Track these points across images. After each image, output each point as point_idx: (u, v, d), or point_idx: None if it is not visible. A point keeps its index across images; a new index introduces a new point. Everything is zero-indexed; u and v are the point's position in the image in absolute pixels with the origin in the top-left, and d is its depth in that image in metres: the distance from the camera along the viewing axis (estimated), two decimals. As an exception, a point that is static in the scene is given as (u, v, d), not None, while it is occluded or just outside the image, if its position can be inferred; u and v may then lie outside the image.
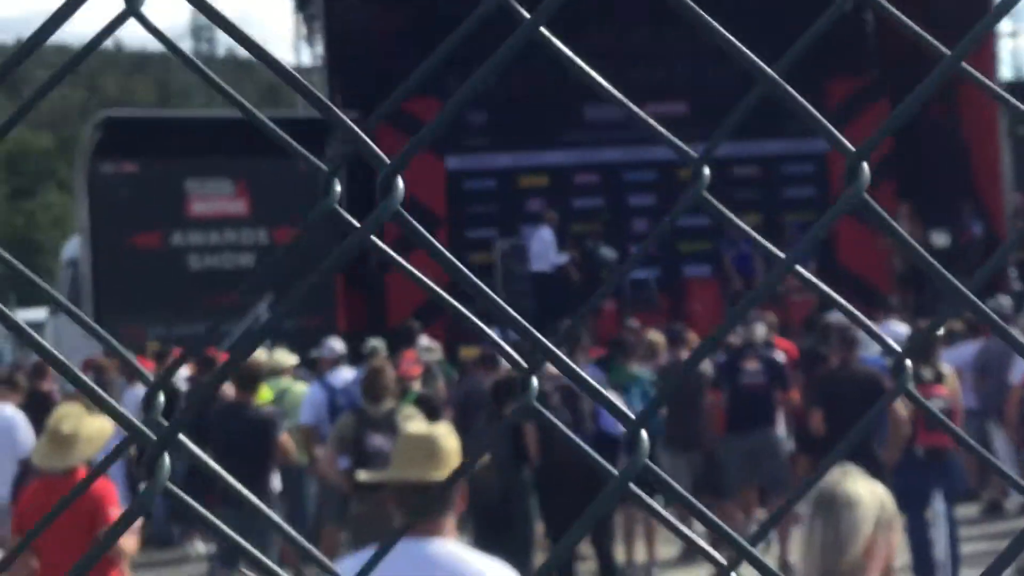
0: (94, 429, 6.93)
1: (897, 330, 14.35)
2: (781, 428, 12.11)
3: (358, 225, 0.80)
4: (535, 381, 0.89)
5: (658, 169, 19.83)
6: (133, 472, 12.36)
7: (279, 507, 10.33)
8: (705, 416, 12.28)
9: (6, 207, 57.28)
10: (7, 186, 58.55)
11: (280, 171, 17.78)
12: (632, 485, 0.91)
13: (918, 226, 18.22)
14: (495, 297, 0.96)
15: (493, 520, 9.73)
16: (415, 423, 5.29)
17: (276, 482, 10.10)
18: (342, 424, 9.79)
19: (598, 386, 0.93)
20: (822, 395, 11.27)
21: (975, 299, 0.84)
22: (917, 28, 0.87)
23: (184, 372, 14.50)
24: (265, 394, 11.05)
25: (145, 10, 0.82)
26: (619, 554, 11.31)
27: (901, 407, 9.47)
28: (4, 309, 0.74)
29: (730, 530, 0.94)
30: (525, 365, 0.87)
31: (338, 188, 0.87)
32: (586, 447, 1.04)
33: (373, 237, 0.79)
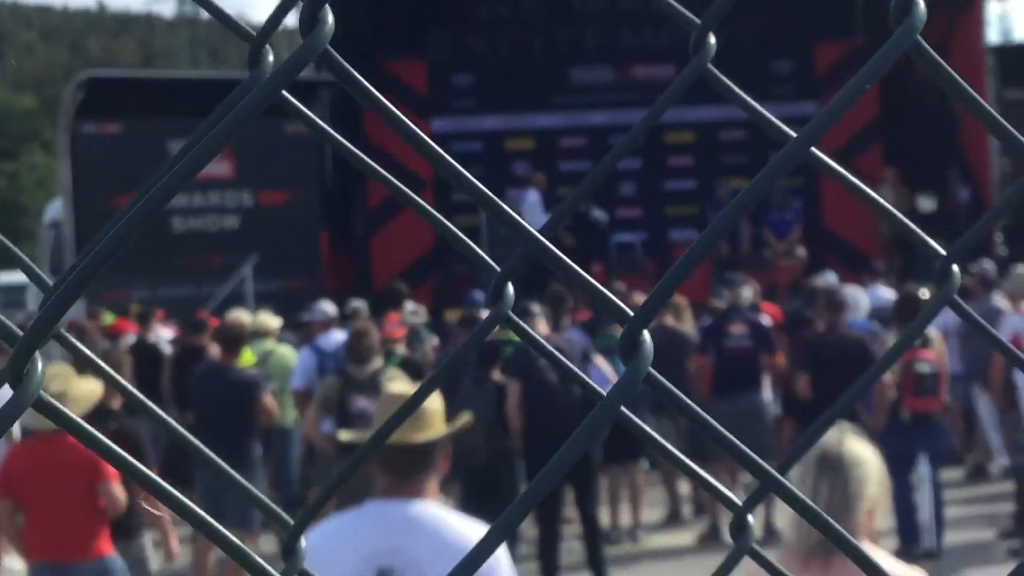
0: (83, 390, 6.95)
1: (883, 294, 14.35)
2: (767, 392, 12.12)
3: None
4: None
5: (645, 132, 19.75)
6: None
7: (262, 469, 10.32)
8: (690, 380, 12.29)
9: (-11, 168, 57.02)
10: (-10, 147, 58.27)
11: (265, 133, 17.68)
12: (624, 409, 0.79)
13: (904, 191, 18.21)
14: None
15: (479, 483, 9.73)
16: (397, 383, 5.26)
17: (258, 445, 10.08)
18: (326, 386, 9.76)
19: (594, 282, 0.83)
20: (808, 359, 11.28)
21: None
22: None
23: (167, 334, 14.46)
24: (248, 356, 11.02)
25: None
26: (604, 517, 11.33)
27: (887, 373, 9.48)
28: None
29: (724, 490, 0.88)
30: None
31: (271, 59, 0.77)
32: (568, 364, 0.96)
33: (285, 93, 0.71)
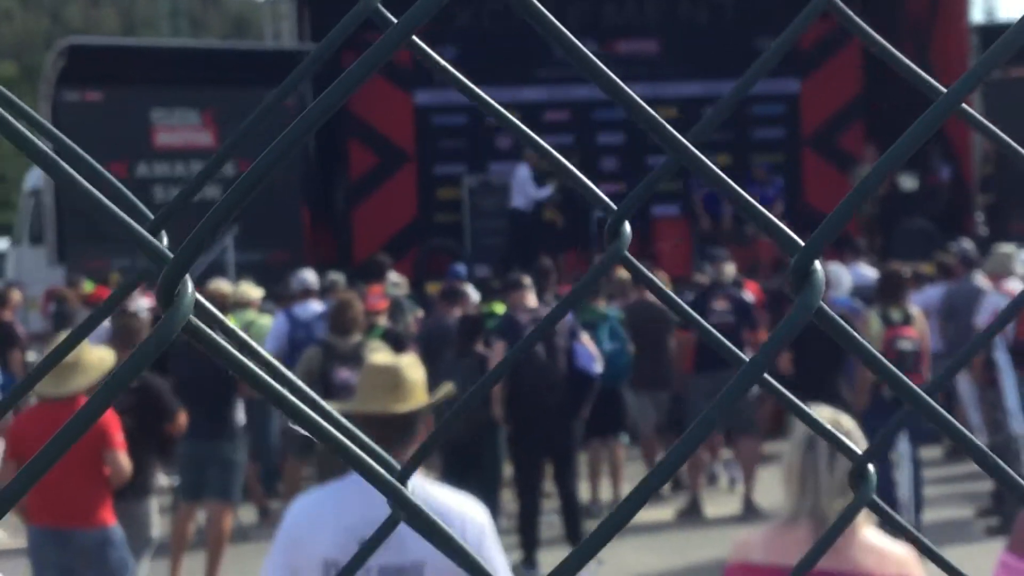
0: (95, 358, 7.05)
1: (865, 272, 14.38)
2: (748, 368, 12.14)
3: None
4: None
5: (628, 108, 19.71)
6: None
7: (244, 440, 10.31)
8: (671, 356, 12.31)
9: (-31, 136, 56.51)
10: (-30, 114, 57.72)
11: (248, 102, 17.59)
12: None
13: (886, 169, 18.20)
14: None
15: (461, 456, 9.74)
16: (380, 355, 5.25)
17: (240, 415, 10.07)
18: (308, 357, 9.75)
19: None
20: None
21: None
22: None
23: (145, 303, 14.42)
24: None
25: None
26: (584, 491, 11.36)
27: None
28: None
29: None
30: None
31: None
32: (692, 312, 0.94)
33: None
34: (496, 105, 0.86)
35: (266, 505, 12.10)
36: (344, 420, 0.85)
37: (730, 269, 12.12)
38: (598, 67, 0.78)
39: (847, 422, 3.58)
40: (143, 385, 7.87)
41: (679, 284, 13.75)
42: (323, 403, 0.79)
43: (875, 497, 0.88)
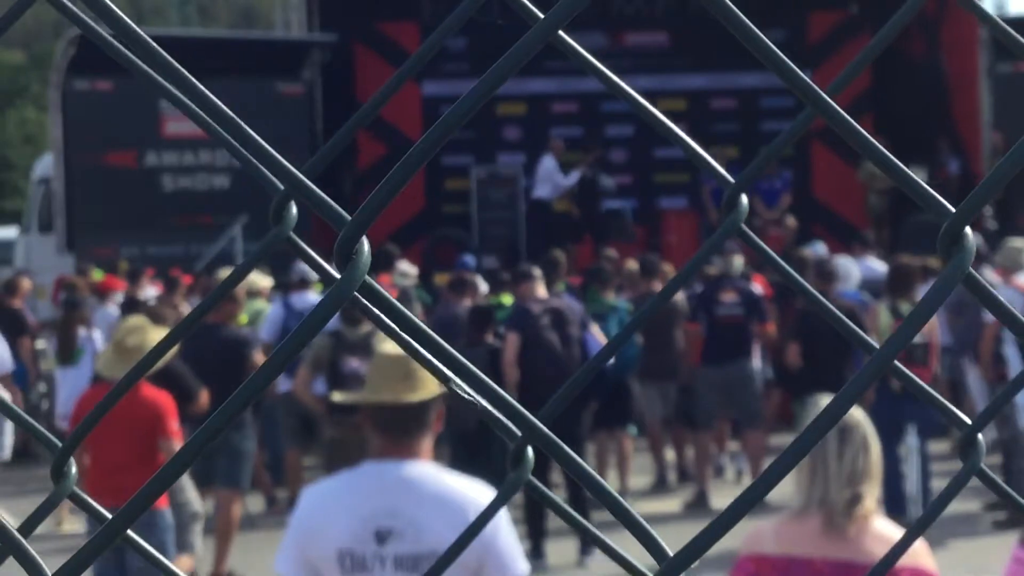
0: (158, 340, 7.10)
1: (874, 266, 14.37)
2: (757, 361, 12.14)
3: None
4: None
5: (637, 99, 19.67)
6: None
7: (252, 428, 10.34)
8: (679, 348, 12.30)
9: (-22, 124, 56.76)
10: (-22, 103, 57.97)
11: (256, 92, 17.60)
12: None
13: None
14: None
15: (469, 445, 9.75)
16: (390, 344, 5.24)
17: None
18: (318, 346, 9.75)
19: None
20: (798, 329, 11.29)
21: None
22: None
23: (153, 291, 14.44)
24: (240, 316, 11.02)
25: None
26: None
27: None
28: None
29: None
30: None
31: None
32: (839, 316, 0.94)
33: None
34: (615, 77, 0.86)
35: (273, 494, 12.11)
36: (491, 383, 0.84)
37: (739, 261, 12.12)
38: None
39: (857, 412, 3.59)
40: (166, 367, 7.96)
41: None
42: (476, 370, 0.80)
43: (984, 466, 0.88)
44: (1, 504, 11.03)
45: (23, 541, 0.73)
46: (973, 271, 0.80)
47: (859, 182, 18.92)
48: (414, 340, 0.77)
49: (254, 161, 0.77)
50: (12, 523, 0.75)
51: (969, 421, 0.89)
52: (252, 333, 10.55)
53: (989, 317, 11.55)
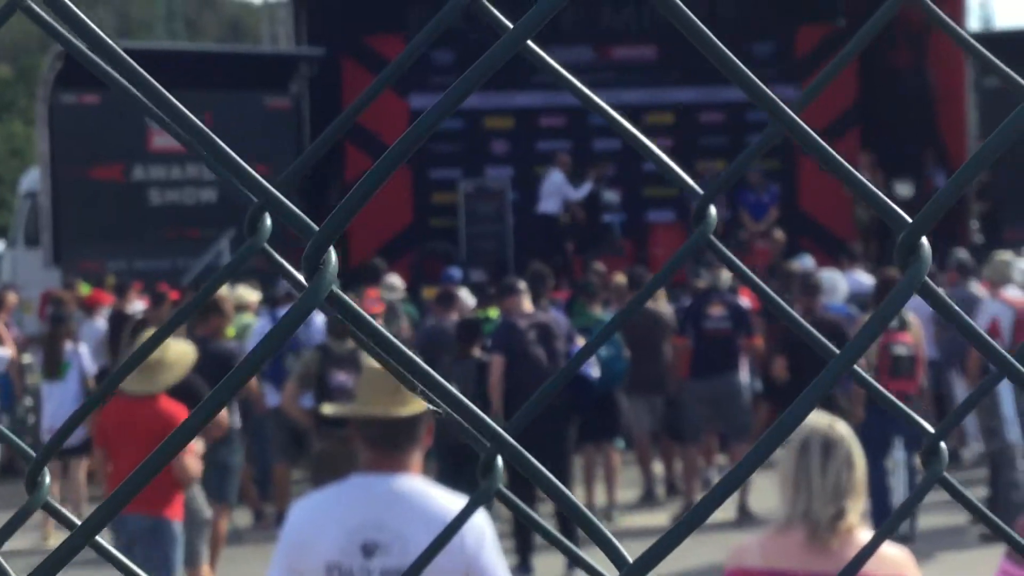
0: (177, 354, 7.45)
1: (861, 279, 14.39)
2: (744, 374, 12.15)
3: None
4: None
5: (624, 113, 19.70)
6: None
7: (240, 443, 10.31)
8: (667, 361, 12.31)
9: (-36, 137, 56.59)
10: (-35, 116, 57.81)
11: (244, 105, 17.60)
12: None
13: (879, 176, 18.23)
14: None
15: (457, 459, 9.74)
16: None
17: (236, 418, 10.07)
18: (306, 360, 9.76)
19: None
20: (785, 343, 11.30)
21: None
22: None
23: (140, 305, 14.41)
24: (228, 330, 11.01)
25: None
26: (578, 496, 11.36)
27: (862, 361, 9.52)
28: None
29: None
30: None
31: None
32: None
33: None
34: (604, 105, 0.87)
35: (261, 508, 12.09)
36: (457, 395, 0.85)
37: (726, 274, 12.13)
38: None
39: (842, 427, 3.59)
40: (182, 382, 8.03)
41: (675, 289, 13.74)
42: (441, 380, 0.80)
43: (946, 474, 0.89)
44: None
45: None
46: (929, 281, 0.81)
47: (847, 195, 18.97)
48: (381, 350, 0.77)
49: (227, 174, 0.77)
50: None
51: (932, 429, 0.90)
52: (240, 347, 10.54)
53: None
